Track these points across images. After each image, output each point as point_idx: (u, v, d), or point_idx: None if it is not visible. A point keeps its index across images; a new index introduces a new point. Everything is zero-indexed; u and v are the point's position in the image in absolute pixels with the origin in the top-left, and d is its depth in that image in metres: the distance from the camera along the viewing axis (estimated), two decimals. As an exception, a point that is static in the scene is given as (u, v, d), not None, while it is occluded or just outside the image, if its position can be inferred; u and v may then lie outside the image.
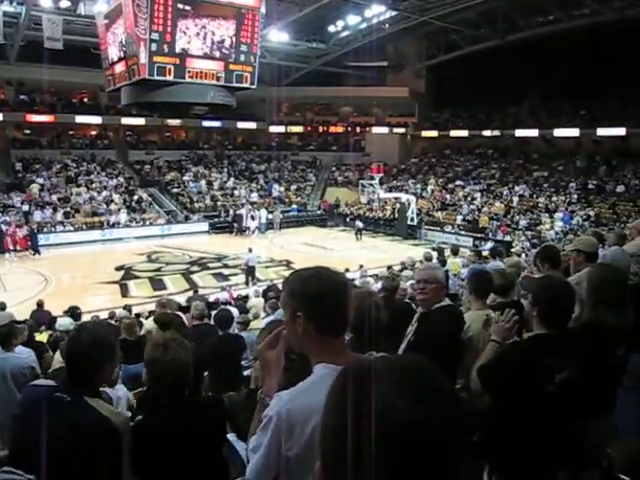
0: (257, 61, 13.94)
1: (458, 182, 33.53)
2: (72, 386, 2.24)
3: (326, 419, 0.84)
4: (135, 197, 30.64)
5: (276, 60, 34.20)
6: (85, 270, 20.11)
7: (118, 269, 20.63)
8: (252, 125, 39.27)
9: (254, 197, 33.44)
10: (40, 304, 11.93)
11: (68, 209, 27.49)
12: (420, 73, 37.75)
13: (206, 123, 36.00)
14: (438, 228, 28.78)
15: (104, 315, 11.65)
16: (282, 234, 29.62)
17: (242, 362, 6.00)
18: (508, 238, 24.73)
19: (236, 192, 33.95)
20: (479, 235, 26.45)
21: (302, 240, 27.26)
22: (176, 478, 2.38)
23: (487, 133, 35.02)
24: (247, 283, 18.43)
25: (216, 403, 2.93)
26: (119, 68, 13.16)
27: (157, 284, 18.87)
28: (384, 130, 39.21)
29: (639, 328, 3.00)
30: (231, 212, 30.51)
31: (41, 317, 10.79)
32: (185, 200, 32.04)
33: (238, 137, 41.02)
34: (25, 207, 26.29)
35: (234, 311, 8.66)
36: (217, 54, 12.97)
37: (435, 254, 14.06)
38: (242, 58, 13.45)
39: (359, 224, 28.29)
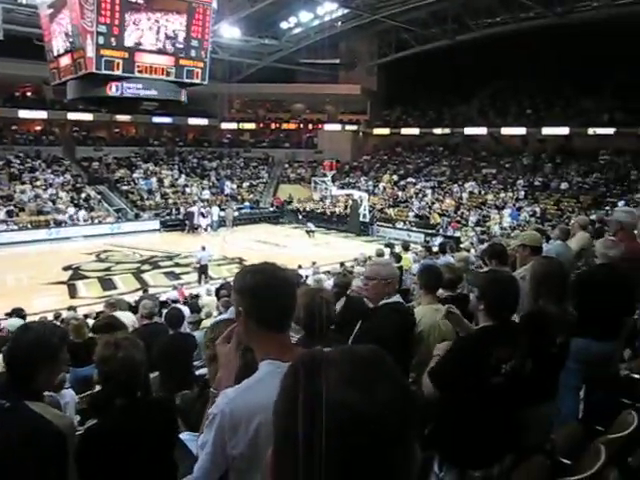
0: (208, 57, 13.78)
1: (409, 179, 33.93)
2: (12, 390, 2.16)
3: (278, 408, 0.84)
4: (83, 195, 29.78)
5: (228, 56, 33.85)
6: (31, 270, 19.43)
7: (66, 269, 20.06)
8: (204, 121, 38.74)
9: (206, 194, 33.00)
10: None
11: (12, 207, 26.49)
12: (372, 71, 37.95)
13: (156, 119, 35.27)
14: (390, 224, 29.09)
15: (51, 317, 11.32)
16: (235, 231, 29.38)
17: (195, 362, 5.93)
18: (458, 234, 25.20)
19: (188, 189, 33.45)
20: (430, 231, 26.81)
21: (255, 237, 27.07)
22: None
23: (438, 131, 35.51)
24: (200, 281, 18.22)
25: (167, 403, 2.89)
26: (65, 61, 12.73)
27: (107, 284, 18.41)
28: (336, 127, 39.30)
29: (581, 317, 3.13)
30: (182, 210, 30.09)
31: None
32: (135, 198, 31.37)
33: (189, 133, 40.34)
34: (-35, 206, 25.26)
35: (185, 310, 8.57)
36: (169, 49, 12.77)
37: (388, 250, 14.19)
38: (193, 53, 13.27)
39: (310, 225, 28.26)
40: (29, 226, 25.96)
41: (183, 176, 34.88)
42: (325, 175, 32.43)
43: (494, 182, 30.96)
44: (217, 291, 12.69)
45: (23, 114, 31.80)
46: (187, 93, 14.04)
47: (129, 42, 12.00)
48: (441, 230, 26.75)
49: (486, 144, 34.36)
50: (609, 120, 28.51)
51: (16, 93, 33.79)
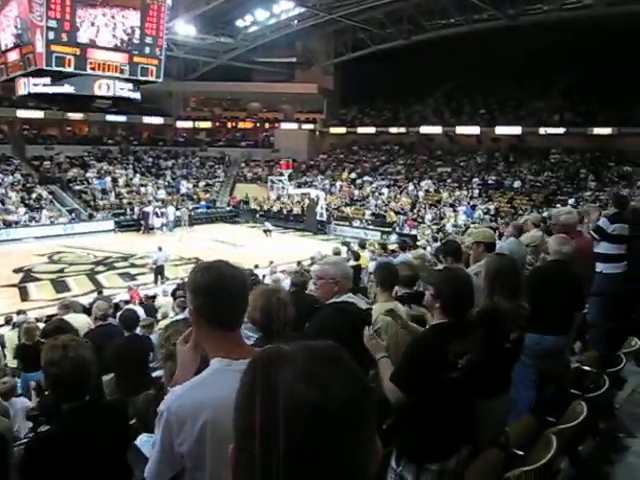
0: (163, 54, 13.61)
1: (366, 178, 34.19)
2: None
3: (238, 404, 0.84)
4: (34, 195, 28.95)
5: (183, 54, 33.42)
6: (-21, 273, 18.83)
7: (16, 271, 19.47)
8: (159, 120, 38.15)
9: (161, 194, 32.53)
10: None
11: (-42, 208, 25.60)
12: (329, 70, 38.06)
13: (110, 117, 34.40)
14: (347, 223, 29.26)
15: (1, 321, 10.98)
16: (191, 231, 29.06)
17: (151, 363, 5.83)
18: (415, 232, 25.51)
19: (143, 189, 32.87)
20: (387, 229, 27.06)
21: (212, 237, 26.81)
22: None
23: (394, 130, 35.83)
24: (156, 282, 17.98)
25: (121, 406, 2.82)
26: (13, 56, 12.36)
27: (60, 286, 17.96)
28: (293, 126, 39.27)
29: (534, 312, 3.21)
30: (137, 210, 29.59)
31: None
32: (89, 198, 30.64)
33: (144, 132, 39.61)
34: None
35: (140, 311, 8.44)
36: (123, 46, 12.53)
37: (345, 249, 14.25)
38: (147, 50, 13.08)
39: (268, 225, 28.21)
40: (-24, 227, 25.04)
41: (138, 175, 34.30)
42: (282, 174, 32.42)
43: (449, 180, 31.44)
44: (174, 292, 12.59)
45: (-32, 112, 30.66)
46: (141, 91, 13.82)
47: (83, 38, 11.73)
48: (397, 228, 27.02)
49: (441, 143, 34.81)
50: (559, 120, 29.36)
51: (-40, 90, 32.55)
